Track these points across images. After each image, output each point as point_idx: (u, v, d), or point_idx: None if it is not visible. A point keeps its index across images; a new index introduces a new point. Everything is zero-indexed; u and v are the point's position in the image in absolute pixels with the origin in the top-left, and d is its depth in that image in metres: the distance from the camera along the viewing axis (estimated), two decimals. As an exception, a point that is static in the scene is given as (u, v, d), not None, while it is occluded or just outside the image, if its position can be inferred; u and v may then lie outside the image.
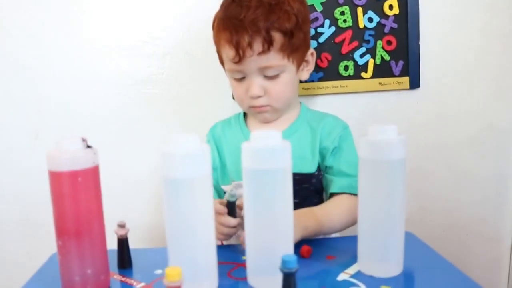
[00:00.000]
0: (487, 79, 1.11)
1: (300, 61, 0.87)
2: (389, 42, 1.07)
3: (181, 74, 1.11)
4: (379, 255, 0.62)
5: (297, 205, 0.63)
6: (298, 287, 0.49)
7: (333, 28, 1.06)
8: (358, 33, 1.06)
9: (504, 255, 1.19)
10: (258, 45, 0.79)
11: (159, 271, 0.65)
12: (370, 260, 0.63)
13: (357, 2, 1.05)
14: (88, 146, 0.58)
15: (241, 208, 0.78)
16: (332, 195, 0.84)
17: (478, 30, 1.09)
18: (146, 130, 1.13)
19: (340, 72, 1.08)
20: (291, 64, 0.84)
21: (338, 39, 1.07)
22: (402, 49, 1.07)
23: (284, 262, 0.48)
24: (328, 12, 1.06)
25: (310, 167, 0.86)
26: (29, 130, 1.12)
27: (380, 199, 0.61)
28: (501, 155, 1.15)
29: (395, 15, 1.06)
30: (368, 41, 1.06)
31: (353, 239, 0.65)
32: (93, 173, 0.57)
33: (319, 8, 1.05)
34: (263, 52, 0.79)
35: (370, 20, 1.06)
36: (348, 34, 1.06)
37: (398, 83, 1.08)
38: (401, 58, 1.07)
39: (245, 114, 0.96)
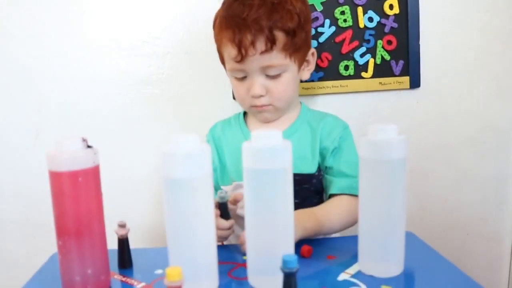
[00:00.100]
0: (487, 79, 1.11)
1: (301, 61, 0.87)
2: (389, 42, 1.07)
3: (181, 74, 1.11)
4: (379, 255, 0.62)
5: (297, 206, 0.63)
6: (299, 287, 0.49)
7: (333, 28, 1.06)
8: (358, 33, 1.06)
9: (504, 255, 1.19)
10: (261, 44, 0.79)
11: (159, 271, 0.65)
12: (371, 260, 0.62)
13: (357, 2, 1.05)
14: (89, 146, 0.58)
15: (233, 203, 0.78)
16: (331, 195, 0.84)
17: (478, 29, 1.09)
18: (146, 130, 1.13)
19: (341, 71, 1.08)
20: (293, 64, 0.84)
21: (338, 39, 1.07)
22: (403, 48, 1.07)
23: (284, 262, 0.48)
24: (328, 12, 1.06)
25: (310, 168, 0.86)
26: (29, 130, 1.12)
27: (381, 199, 0.61)
28: (501, 155, 1.15)
29: (395, 14, 1.06)
30: (368, 41, 1.06)
31: (354, 239, 0.65)
32: (93, 173, 0.57)
33: (319, 7, 1.05)
34: (266, 51, 0.79)
35: (370, 19, 1.06)
36: (348, 34, 1.06)
37: (399, 82, 1.08)
38: (401, 58, 1.07)
39: (245, 114, 0.96)
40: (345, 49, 1.07)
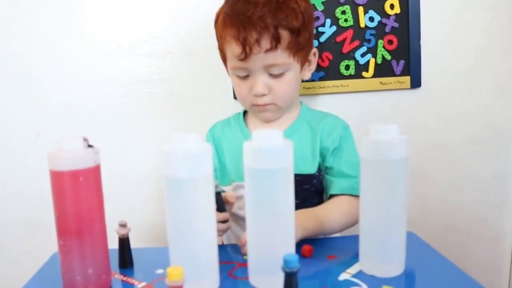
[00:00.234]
0: (488, 79, 1.11)
1: (304, 60, 0.86)
2: (390, 42, 1.07)
3: (181, 73, 1.11)
4: (380, 254, 0.62)
5: (297, 206, 0.63)
6: (300, 286, 0.49)
7: (334, 28, 1.06)
8: (359, 33, 1.06)
9: (504, 255, 1.19)
10: (266, 42, 0.78)
11: (160, 271, 0.65)
12: (372, 260, 0.62)
13: (358, 1, 1.05)
14: (90, 146, 0.58)
15: (227, 202, 0.77)
16: (332, 196, 0.84)
17: (479, 30, 1.09)
18: (146, 129, 1.13)
19: (341, 71, 1.08)
20: (296, 63, 0.83)
21: (339, 39, 1.07)
22: (403, 48, 1.07)
23: (285, 262, 0.48)
24: (329, 12, 1.06)
25: (310, 168, 0.86)
26: (30, 130, 1.12)
27: (382, 199, 0.60)
28: (501, 155, 1.15)
29: (396, 14, 1.05)
30: (369, 41, 1.06)
31: (355, 238, 0.65)
32: (94, 173, 0.57)
33: (320, 7, 1.05)
34: (271, 49, 0.79)
35: (371, 19, 1.06)
36: (349, 34, 1.06)
37: (399, 82, 1.08)
38: (402, 58, 1.07)
39: (244, 114, 0.96)
40: (346, 49, 1.07)
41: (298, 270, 0.48)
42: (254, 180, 0.57)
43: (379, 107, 1.11)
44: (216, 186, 0.72)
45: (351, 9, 1.05)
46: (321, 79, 1.09)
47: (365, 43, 1.07)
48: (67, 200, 0.56)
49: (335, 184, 0.83)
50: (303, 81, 0.93)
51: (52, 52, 1.10)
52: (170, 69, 1.11)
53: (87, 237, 0.57)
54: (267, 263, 0.58)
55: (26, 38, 1.09)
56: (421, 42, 1.07)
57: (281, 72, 0.82)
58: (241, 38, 0.78)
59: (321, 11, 1.05)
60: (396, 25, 1.06)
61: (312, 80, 1.08)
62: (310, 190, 0.87)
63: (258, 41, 0.78)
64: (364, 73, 1.08)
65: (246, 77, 0.84)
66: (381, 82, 1.08)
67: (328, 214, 0.78)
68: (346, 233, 0.83)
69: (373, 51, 1.07)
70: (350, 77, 1.08)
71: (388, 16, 1.06)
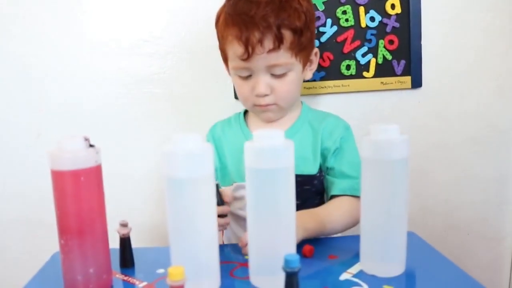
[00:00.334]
0: (488, 79, 1.11)
1: (306, 60, 0.86)
2: (391, 42, 1.07)
3: (182, 73, 1.11)
4: (381, 254, 0.62)
5: (298, 207, 0.63)
6: (301, 286, 0.49)
7: (335, 28, 1.06)
8: (360, 33, 1.06)
9: (505, 255, 1.19)
10: (269, 42, 0.78)
11: (161, 270, 0.65)
12: (373, 260, 0.62)
13: (359, 1, 1.05)
14: (91, 145, 0.58)
15: (224, 199, 0.77)
16: (333, 196, 0.84)
17: (480, 30, 1.09)
18: (147, 129, 1.13)
19: (342, 71, 1.08)
20: (298, 63, 0.83)
21: (340, 39, 1.07)
22: (404, 48, 1.07)
23: (286, 262, 0.48)
24: (330, 11, 1.06)
25: (312, 169, 0.86)
26: (30, 129, 1.12)
27: (383, 198, 0.61)
28: (502, 155, 1.15)
29: (397, 14, 1.05)
30: (370, 41, 1.06)
31: (355, 238, 0.65)
32: (95, 172, 0.58)
33: (321, 7, 1.05)
34: (274, 49, 0.78)
35: (372, 19, 1.06)
36: (350, 34, 1.06)
37: (400, 82, 1.08)
38: (403, 58, 1.07)
39: (245, 114, 0.96)
40: (346, 49, 1.07)
41: (299, 270, 0.48)
42: (255, 180, 0.57)
43: (380, 107, 1.11)
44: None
45: (352, 9, 1.05)
46: (322, 79, 1.09)
47: (366, 43, 1.07)
48: (68, 200, 0.56)
49: (336, 185, 0.83)
50: (304, 81, 0.93)
51: (52, 52, 1.10)
52: (171, 69, 1.11)
53: (88, 236, 0.57)
54: (268, 263, 0.58)
55: (27, 38, 1.09)
56: (422, 42, 1.07)
57: (283, 72, 0.82)
58: (243, 38, 0.78)
59: (322, 11, 1.05)
60: (397, 25, 1.06)
61: (313, 80, 1.07)
62: (311, 190, 0.86)
63: (261, 41, 0.77)
64: (365, 73, 1.08)
65: (248, 77, 0.84)
66: (382, 82, 1.08)
67: (329, 215, 0.78)
68: (347, 233, 0.83)
69: (374, 51, 1.07)
70: (351, 77, 1.08)
71: (389, 16, 1.06)
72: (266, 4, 0.78)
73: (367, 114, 1.11)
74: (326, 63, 1.08)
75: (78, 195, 0.56)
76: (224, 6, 0.85)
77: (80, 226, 0.57)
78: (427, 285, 0.60)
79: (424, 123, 1.12)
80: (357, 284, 0.59)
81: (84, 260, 0.58)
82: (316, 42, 1.05)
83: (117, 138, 1.12)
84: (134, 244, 0.69)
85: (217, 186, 0.74)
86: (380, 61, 1.07)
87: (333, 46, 1.07)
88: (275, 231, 0.58)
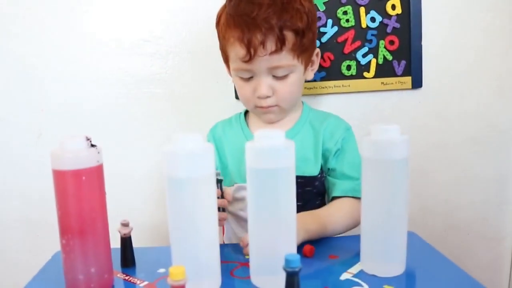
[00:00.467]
0: (489, 79, 1.11)
1: (308, 62, 0.86)
2: (391, 42, 1.07)
3: (183, 73, 1.11)
4: (381, 254, 0.62)
5: (299, 208, 0.63)
6: (301, 286, 0.49)
7: (335, 28, 1.06)
8: (360, 33, 1.06)
9: (505, 255, 1.19)
10: (271, 44, 0.77)
11: (162, 270, 0.66)
12: (373, 260, 0.63)
13: (359, 2, 1.05)
14: (92, 145, 0.58)
15: (222, 195, 0.77)
16: (334, 198, 0.84)
17: (480, 30, 1.09)
18: (148, 129, 1.13)
19: (343, 71, 1.08)
20: (300, 64, 0.83)
21: (340, 39, 1.07)
22: (405, 49, 1.07)
23: (287, 261, 0.48)
24: (330, 12, 1.06)
25: (313, 170, 0.86)
26: (32, 129, 1.12)
27: (383, 198, 0.61)
28: (502, 155, 1.15)
29: (397, 15, 1.06)
30: (370, 41, 1.07)
31: (356, 238, 0.65)
32: (97, 172, 0.58)
33: (322, 7, 1.05)
34: (276, 51, 0.77)
35: (373, 19, 1.06)
36: (350, 34, 1.06)
37: (401, 82, 1.08)
38: (403, 58, 1.07)
39: (245, 114, 0.96)
40: (347, 49, 1.07)
41: (300, 270, 0.48)
42: (256, 180, 0.57)
43: (380, 107, 1.11)
44: (217, 174, 0.73)
45: (353, 10, 1.05)
46: (323, 79, 1.09)
47: (366, 44, 1.07)
48: (70, 199, 0.56)
49: (338, 186, 0.83)
50: (305, 81, 0.93)
51: (53, 52, 1.10)
52: (172, 69, 1.11)
53: (90, 236, 0.58)
54: (269, 263, 0.58)
55: (27, 38, 1.09)
56: (422, 43, 1.07)
57: (285, 74, 0.81)
58: (245, 40, 0.77)
59: (323, 11, 1.06)
60: (397, 25, 1.06)
61: (313, 80, 1.07)
62: (312, 192, 0.86)
63: (263, 43, 0.76)
64: (365, 74, 1.08)
65: (249, 78, 0.83)
66: (382, 83, 1.08)
67: (330, 216, 0.78)
68: (347, 232, 0.83)
69: (374, 51, 1.07)
70: (351, 77, 1.08)
71: (389, 16, 1.06)
72: (268, 5, 0.77)
73: (367, 114, 1.11)
74: (327, 64, 1.08)
75: (79, 194, 0.56)
76: (225, 6, 0.84)
77: (81, 225, 0.57)
78: (427, 285, 0.60)
79: (424, 123, 1.12)
80: (357, 284, 0.59)
81: (85, 260, 0.58)
82: (317, 43, 1.05)
83: (118, 138, 1.13)
84: (134, 244, 0.70)
85: (220, 181, 0.74)
86: (380, 61, 1.07)
87: (334, 47, 1.07)
88: (275, 231, 0.58)
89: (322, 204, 0.87)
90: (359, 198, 0.73)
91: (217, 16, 0.87)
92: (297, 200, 0.59)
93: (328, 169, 0.86)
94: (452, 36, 1.09)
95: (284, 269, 0.48)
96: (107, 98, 1.12)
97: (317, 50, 0.89)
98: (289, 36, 0.78)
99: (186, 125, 1.12)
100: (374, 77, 1.08)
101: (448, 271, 0.62)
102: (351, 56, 1.07)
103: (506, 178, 1.16)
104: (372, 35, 1.06)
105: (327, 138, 0.86)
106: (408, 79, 1.08)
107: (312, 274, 0.63)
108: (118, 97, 1.12)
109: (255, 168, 0.57)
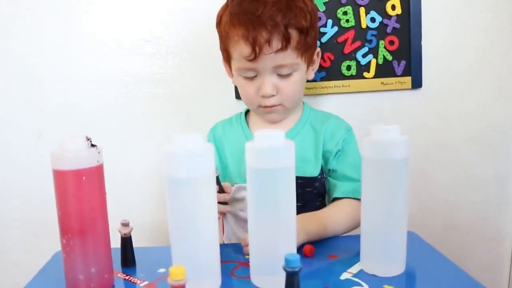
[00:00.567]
0: (489, 79, 1.11)
1: (310, 60, 0.86)
2: (391, 42, 1.07)
3: (183, 73, 1.11)
4: (381, 254, 0.62)
5: (299, 209, 0.63)
6: (301, 286, 0.49)
7: (335, 28, 1.06)
8: (360, 33, 1.06)
9: (505, 255, 1.19)
10: (276, 42, 0.77)
11: (162, 270, 0.66)
12: (373, 260, 0.63)
13: (359, 2, 1.05)
14: (93, 145, 0.58)
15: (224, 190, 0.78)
16: (335, 199, 0.84)
17: (480, 30, 1.09)
18: (148, 129, 1.13)
19: (343, 71, 1.08)
20: (303, 63, 0.83)
21: (340, 39, 1.07)
22: (405, 49, 1.07)
23: (287, 261, 0.48)
24: (330, 12, 1.06)
25: (313, 171, 0.86)
26: (32, 129, 1.12)
27: (383, 198, 0.61)
28: (502, 155, 1.15)
29: (397, 15, 1.06)
30: (370, 41, 1.07)
31: (356, 238, 0.66)
32: (97, 172, 0.58)
33: (322, 8, 1.05)
34: (281, 49, 0.77)
35: (373, 20, 1.06)
36: (350, 34, 1.06)
37: (400, 83, 1.08)
38: (403, 58, 1.07)
39: (246, 114, 0.96)
40: (347, 49, 1.07)
41: (300, 270, 0.48)
42: (256, 180, 0.57)
43: (380, 108, 1.11)
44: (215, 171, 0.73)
45: (353, 10, 1.05)
46: (323, 79, 1.09)
47: (366, 44, 1.07)
48: (70, 199, 0.56)
49: (338, 187, 0.83)
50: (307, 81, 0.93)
51: (53, 52, 1.10)
52: (172, 69, 1.11)
53: (90, 236, 0.58)
54: (269, 263, 0.58)
55: (27, 38, 1.09)
56: (422, 43, 1.07)
57: (289, 72, 0.81)
58: (250, 38, 0.76)
59: (323, 11, 1.06)
60: (397, 25, 1.06)
61: (313, 80, 1.07)
62: (312, 192, 0.86)
63: (268, 41, 0.76)
64: (365, 74, 1.08)
65: (252, 78, 0.83)
66: (382, 83, 1.09)
67: (331, 218, 0.78)
68: (347, 233, 0.84)
69: (374, 51, 1.07)
70: (351, 77, 1.08)
71: (389, 16, 1.06)
72: (273, 3, 0.77)
73: (367, 114, 1.11)
74: (327, 64, 1.08)
75: (79, 194, 0.56)
76: (226, 6, 0.84)
77: (81, 225, 0.57)
78: (427, 285, 0.60)
79: (424, 124, 1.12)
80: (357, 283, 0.59)
81: (85, 260, 0.58)
82: (317, 43, 1.06)
83: (118, 138, 1.13)
84: (135, 244, 0.70)
85: (217, 177, 0.74)
86: (380, 61, 1.08)
87: (334, 47, 1.07)
88: (275, 231, 0.58)
89: (322, 205, 0.87)
90: (359, 200, 0.73)
91: (217, 16, 0.87)
92: (297, 201, 0.59)
93: (329, 170, 0.86)
94: (452, 36, 1.09)
95: (284, 269, 0.48)
96: (107, 98, 1.12)
97: (318, 49, 0.89)
98: (294, 34, 0.78)
99: (186, 125, 1.12)
100: (374, 77, 1.08)
101: (448, 271, 0.62)
102: (351, 56, 1.08)
103: (506, 178, 1.16)
104: (372, 35, 1.06)
105: (327, 139, 0.86)
106: (408, 79, 1.08)
107: (312, 274, 0.63)
108: (118, 97, 1.12)
109: (255, 168, 0.57)
